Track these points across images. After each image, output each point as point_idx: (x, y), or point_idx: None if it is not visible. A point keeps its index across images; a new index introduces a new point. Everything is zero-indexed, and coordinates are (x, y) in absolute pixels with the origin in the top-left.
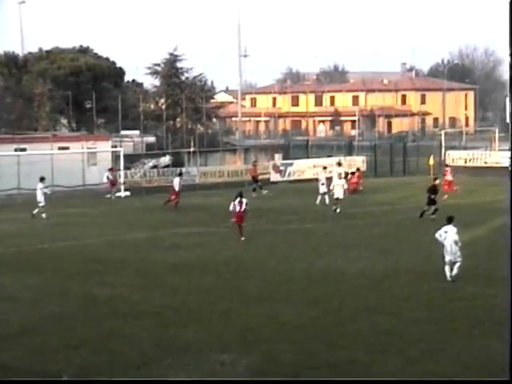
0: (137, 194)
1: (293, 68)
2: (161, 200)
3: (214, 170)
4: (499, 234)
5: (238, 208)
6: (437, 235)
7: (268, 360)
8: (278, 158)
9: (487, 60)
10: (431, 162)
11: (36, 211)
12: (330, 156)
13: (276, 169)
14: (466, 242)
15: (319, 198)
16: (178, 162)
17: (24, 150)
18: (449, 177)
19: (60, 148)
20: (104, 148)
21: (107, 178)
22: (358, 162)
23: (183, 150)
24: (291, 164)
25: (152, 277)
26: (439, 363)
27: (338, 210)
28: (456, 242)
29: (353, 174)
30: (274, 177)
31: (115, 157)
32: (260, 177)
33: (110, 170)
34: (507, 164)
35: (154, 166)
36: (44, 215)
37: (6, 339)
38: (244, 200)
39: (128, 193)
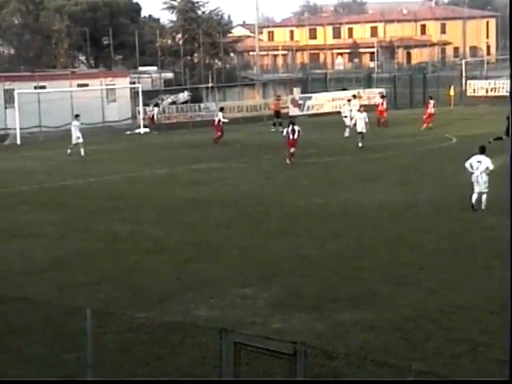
0: (156, 130)
1: (310, 0)
2: (180, 136)
3: (232, 105)
4: None
5: (291, 136)
6: (467, 164)
7: (288, 293)
8: (296, 92)
9: None
10: (452, 92)
11: (81, 149)
12: (344, 89)
13: (294, 103)
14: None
15: (347, 130)
16: (196, 98)
17: (44, 87)
18: (431, 110)
19: (79, 85)
20: (122, 84)
21: (152, 114)
22: (378, 94)
23: (201, 85)
24: (310, 98)
25: (172, 213)
26: (461, 294)
27: (361, 145)
28: (488, 172)
29: (383, 97)
30: (293, 111)
31: (134, 93)
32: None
33: (156, 106)
34: None
35: (173, 102)
36: (69, 151)
37: (33, 274)
38: (296, 127)
39: (147, 129)
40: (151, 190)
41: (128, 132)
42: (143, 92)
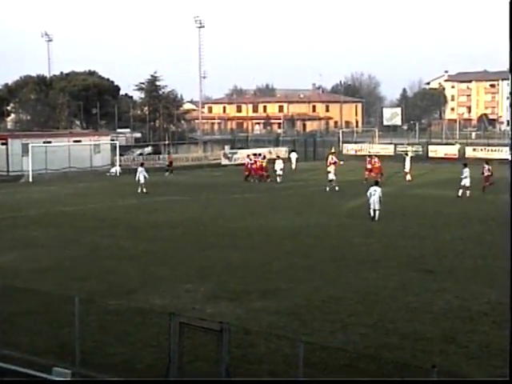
0: (127, 173)
1: (237, 86)
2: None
3: (182, 157)
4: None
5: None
6: (368, 192)
7: (218, 288)
8: (226, 148)
9: (370, 82)
10: (333, 151)
11: (140, 188)
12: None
13: (225, 156)
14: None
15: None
16: (157, 151)
17: (49, 142)
18: (370, 165)
19: (75, 141)
20: (105, 141)
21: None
22: (283, 151)
23: (160, 142)
24: (236, 152)
25: (138, 231)
26: (336, 289)
27: (328, 189)
28: (380, 198)
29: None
30: (224, 161)
31: (113, 147)
32: (213, 161)
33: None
34: (383, 153)
35: (140, 154)
36: (145, 190)
37: (39, 273)
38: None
39: (120, 170)
40: (124, 214)
41: (107, 173)
42: (120, 146)
